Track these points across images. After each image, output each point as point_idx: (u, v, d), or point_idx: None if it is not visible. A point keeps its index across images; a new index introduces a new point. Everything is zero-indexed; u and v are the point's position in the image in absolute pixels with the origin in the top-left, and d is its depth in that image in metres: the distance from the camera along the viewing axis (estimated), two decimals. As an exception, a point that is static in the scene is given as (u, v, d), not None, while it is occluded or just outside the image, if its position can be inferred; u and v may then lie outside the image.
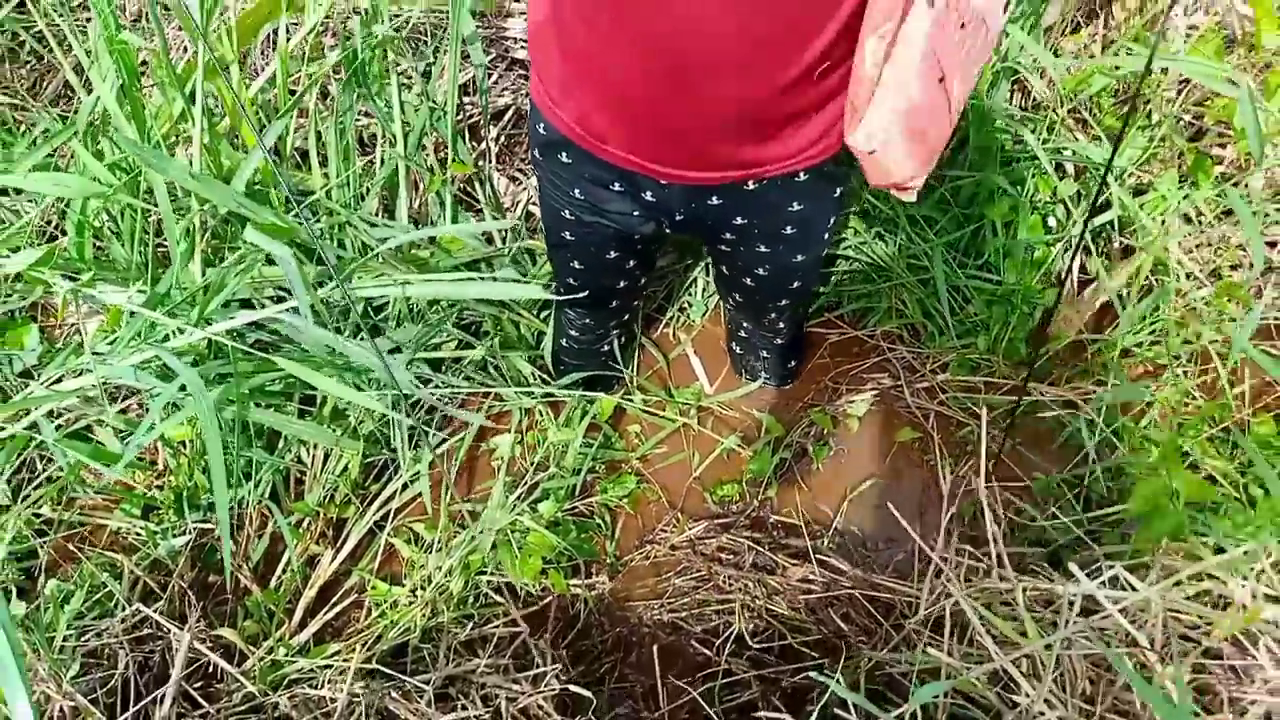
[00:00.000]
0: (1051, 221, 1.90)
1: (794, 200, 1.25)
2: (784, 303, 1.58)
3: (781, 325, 1.72)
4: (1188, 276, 1.80)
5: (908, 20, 0.98)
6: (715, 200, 1.22)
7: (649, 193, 1.22)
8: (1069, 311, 1.86)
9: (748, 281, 1.48)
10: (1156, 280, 1.85)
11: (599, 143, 1.16)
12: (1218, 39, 1.69)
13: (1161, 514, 1.28)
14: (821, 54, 1.00)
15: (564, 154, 1.23)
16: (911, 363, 1.96)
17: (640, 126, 1.11)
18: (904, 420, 1.90)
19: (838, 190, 1.30)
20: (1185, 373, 1.79)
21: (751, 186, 1.20)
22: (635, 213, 1.29)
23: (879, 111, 1.04)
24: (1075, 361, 1.87)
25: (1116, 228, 1.85)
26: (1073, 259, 1.84)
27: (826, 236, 1.38)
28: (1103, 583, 1.18)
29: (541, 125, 1.22)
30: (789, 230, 1.31)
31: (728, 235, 1.33)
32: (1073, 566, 1.19)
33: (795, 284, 1.49)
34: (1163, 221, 1.85)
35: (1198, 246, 1.87)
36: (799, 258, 1.39)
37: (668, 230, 1.34)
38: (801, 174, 1.20)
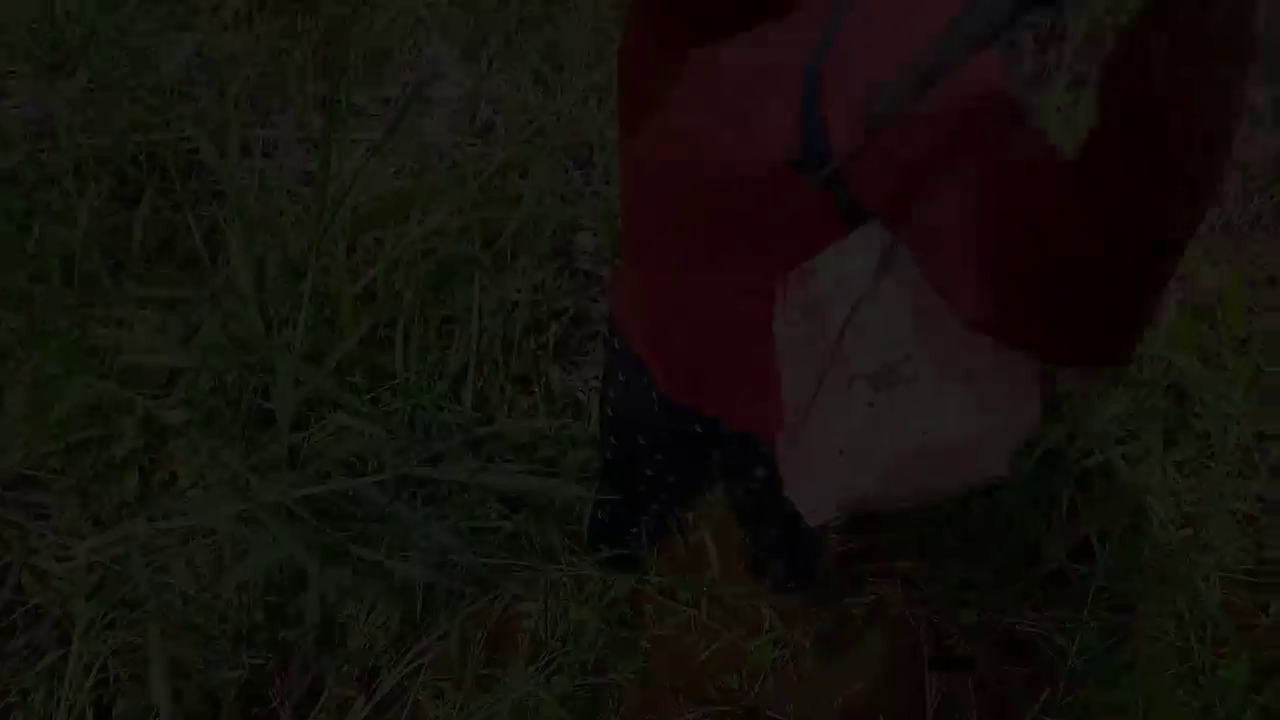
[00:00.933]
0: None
1: (758, 464, 1.26)
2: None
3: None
4: (1160, 526, 1.98)
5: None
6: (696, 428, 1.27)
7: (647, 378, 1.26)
8: (1052, 541, 2.04)
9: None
10: (1133, 524, 2.03)
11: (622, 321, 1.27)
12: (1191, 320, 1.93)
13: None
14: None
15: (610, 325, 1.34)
16: (909, 574, 2.13)
17: (629, 316, 1.24)
18: (900, 628, 2.06)
19: None
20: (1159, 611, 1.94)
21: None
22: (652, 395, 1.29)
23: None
24: (1059, 590, 2.04)
25: (1100, 472, 2.05)
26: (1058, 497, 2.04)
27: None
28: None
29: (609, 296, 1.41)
30: (760, 472, 1.30)
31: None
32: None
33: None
34: (1146, 470, 2.05)
35: (1174, 493, 2.06)
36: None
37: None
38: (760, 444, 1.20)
